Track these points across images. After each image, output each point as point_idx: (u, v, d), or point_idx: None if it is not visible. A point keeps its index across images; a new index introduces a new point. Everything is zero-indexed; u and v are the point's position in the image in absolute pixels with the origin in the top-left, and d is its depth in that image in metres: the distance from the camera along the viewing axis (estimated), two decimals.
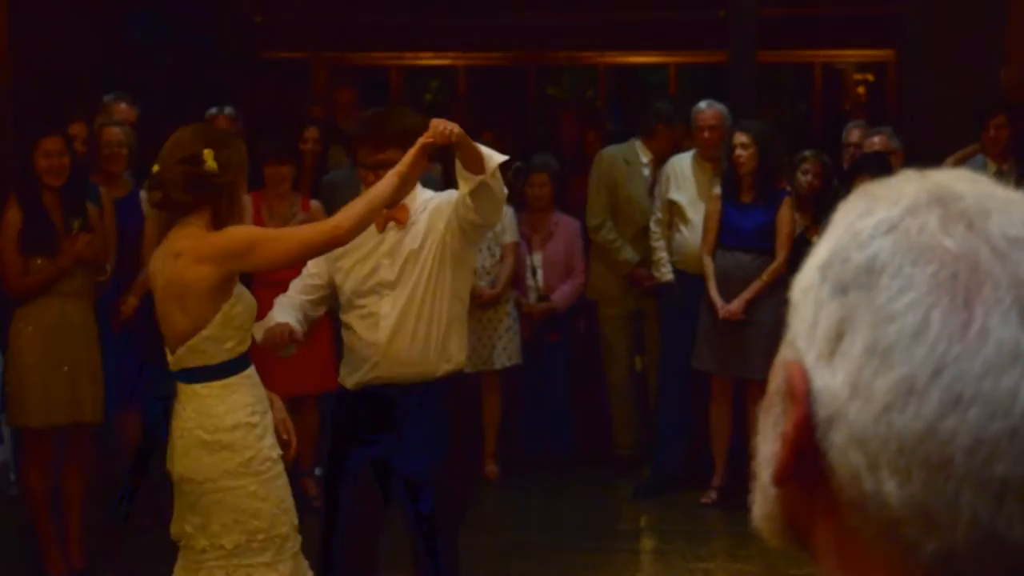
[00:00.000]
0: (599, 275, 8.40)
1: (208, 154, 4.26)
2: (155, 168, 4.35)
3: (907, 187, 0.96)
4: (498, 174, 4.64)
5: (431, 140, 4.49)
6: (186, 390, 4.36)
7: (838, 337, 0.92)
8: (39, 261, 6.38)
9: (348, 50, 13.20)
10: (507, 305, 8.20)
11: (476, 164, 4.55)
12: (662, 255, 7.97)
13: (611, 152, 8.43)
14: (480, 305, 7.95)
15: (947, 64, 9.30)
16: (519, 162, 8.88)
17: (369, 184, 4.66)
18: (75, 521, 6.64)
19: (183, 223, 4.33)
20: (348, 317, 4.87)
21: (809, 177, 7.61)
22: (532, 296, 8.32)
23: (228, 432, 4.32)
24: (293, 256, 4.41)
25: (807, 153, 7.77)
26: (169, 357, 4.39)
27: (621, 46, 13.04)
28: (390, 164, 4.61)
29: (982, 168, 7.62)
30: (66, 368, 6.37)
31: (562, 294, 8.34)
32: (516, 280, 8.25)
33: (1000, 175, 7.53)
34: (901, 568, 0.90)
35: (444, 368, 4.84)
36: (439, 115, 4.78)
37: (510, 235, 8.15)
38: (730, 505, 7.58)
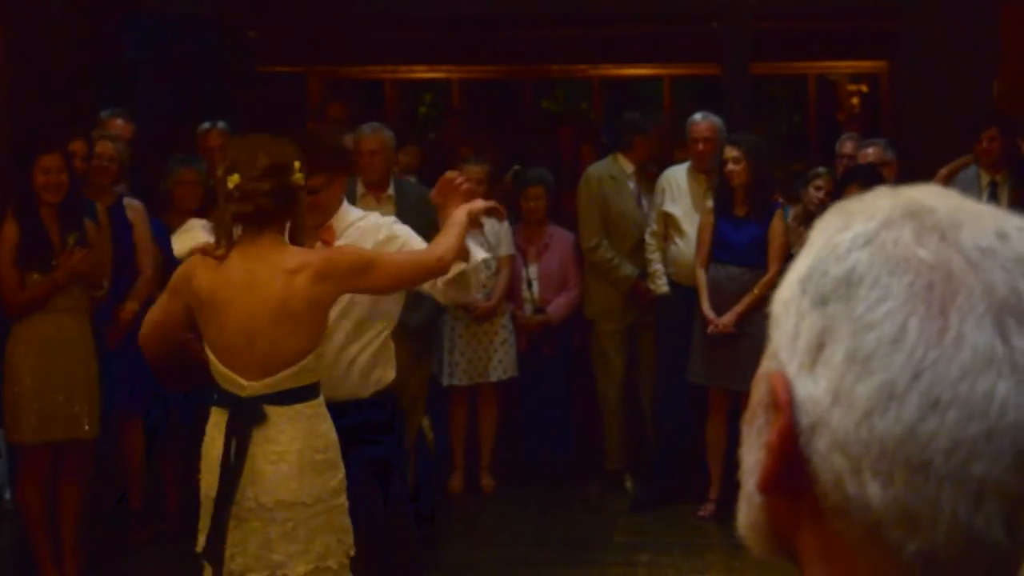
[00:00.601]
0: (597, 292, 8.36)
1: (298, 165, 4.15)
2: (233, 180, 4.10)
3: (881, 202, 0.99)
4: (479, 270, 4.68)
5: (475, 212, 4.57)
6: (286, 412, 4.12)
7: (819, 347, 0.95)
8: (35, 276, 6.40)
9: (343, 64, 13.21)
10: (503, 318, 8.20)
11: (462, 252, 4.52)
12: (657, 267, 7.97)
13: (597, 170, 8.41)
14: (476, 318, 7.95)
15: (940, 76, 9.31)
16: (517, 166, 8.91)
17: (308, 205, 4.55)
18: (71, 535, 6.63)
19: (256, 236, 4.14)
20: None
21: (821, 194, 7.64)
22: (528, 308, 8.33)
23: (332, 449, 4.22)
24: (406, 279, 4.37)
25: (820, 169, 7.82)
26: (249, 381, 4.12)
27: (615, 59, 13.06)
28: (318, 187, 4.58)
29: (975, 179, 7.65)
30: (61, 397, 6.38)
31: (557, 307, 8.34)
32: (511, 293, 8.26)
33: (993, 186, 7.56)
34: (885, 571, 0.93)
35: (372, 389, 4.78)
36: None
37: (506, 248, 8.16)
38: (726, 518, 7.57)
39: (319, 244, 4.67)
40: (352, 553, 4.27)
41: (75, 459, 6.63)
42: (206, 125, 8.33)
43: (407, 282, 4.42)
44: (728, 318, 7.41)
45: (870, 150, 8.11)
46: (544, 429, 8.38)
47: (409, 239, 4.73)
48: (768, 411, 0.99)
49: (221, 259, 4.14)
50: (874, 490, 0.91)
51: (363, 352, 4.74)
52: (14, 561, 6.90)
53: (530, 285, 8.33)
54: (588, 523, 7.78)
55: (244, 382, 4.12)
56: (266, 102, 11.46)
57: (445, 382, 8.15)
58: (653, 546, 7.29)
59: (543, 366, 8.33)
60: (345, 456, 4.54)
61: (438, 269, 4.35)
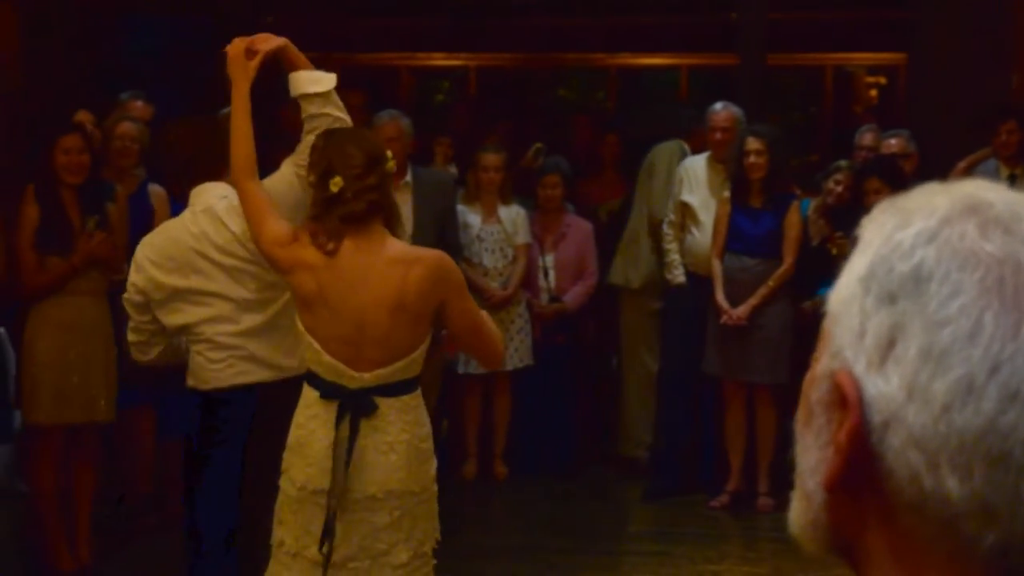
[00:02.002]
0: (623, 264, 8.47)
1: (390, 154, 4.19)
2: (336, 183, 4.07)
3: (938, 199, 1.00)
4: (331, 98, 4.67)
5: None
6: (394, 404, 4.15)
7: (889, 345, 0.95)
8: (54, 259, 6.40)
9: (358, 51, 13.20)
10: (519, 306, 8.21)
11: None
12: (674, 257, 7.96)
13: (669, 148, 8.46)
14: (492, 306, 7.96)
15: (957, 68, 9.29)
16: (539, 144, 8.91)
17: None
18: (84, 518, 6.66)
19: (363, 229, 4.13)
20: None
21: (840, 188, 7.61)
22: (544, 297, 8.32)
23: (430, 439, 4.29)
24: (470, 333, 4.26)
25: (842, 163, 7.79)
26: (359, 372, 4.12)
27: (631, 48, 13.04)
28: None
29: (995, 172, 7.63)
30: (77, 379, 6.40)
31: (574, 295, 8.34)
32: (528, 281, 8.26)
33: (1012, 179, 7.53)
34: (959, 565, 0.94)
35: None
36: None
37: (523, 236, 8.16)
38: (739, 508, 7.58)
39: None
40: (439, 538, 4.33)
41: (90, 442, 6.66)
42: (225, 111, 8.29)
43: (468, 337, 4.30)
44: (742, 310, 7.40)
45: (893, 141, 8.09)
46: (553, 418, 8.38)
47: None
48: (831, 410, 1.00)
49: (330, 253, 4.11)
50: (952, 484, 0.92)
51: None
52: (24, 543, 6.90)
53: (546, 274, 8.33)
54: (601, 512, 7.79)
55: (355, 373, 4.12)
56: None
57: (461, 370, 8.16)
58: (666, 536, 7.30)
59: (557, 354, 8.32)
60: None
61: (495, 355, 4.42)
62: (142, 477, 7.36)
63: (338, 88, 4.70)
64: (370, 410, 4.12)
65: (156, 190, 7.19)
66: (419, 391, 4.25)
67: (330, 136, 4.29)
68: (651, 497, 7.91)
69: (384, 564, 4.16)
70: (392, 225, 4.21)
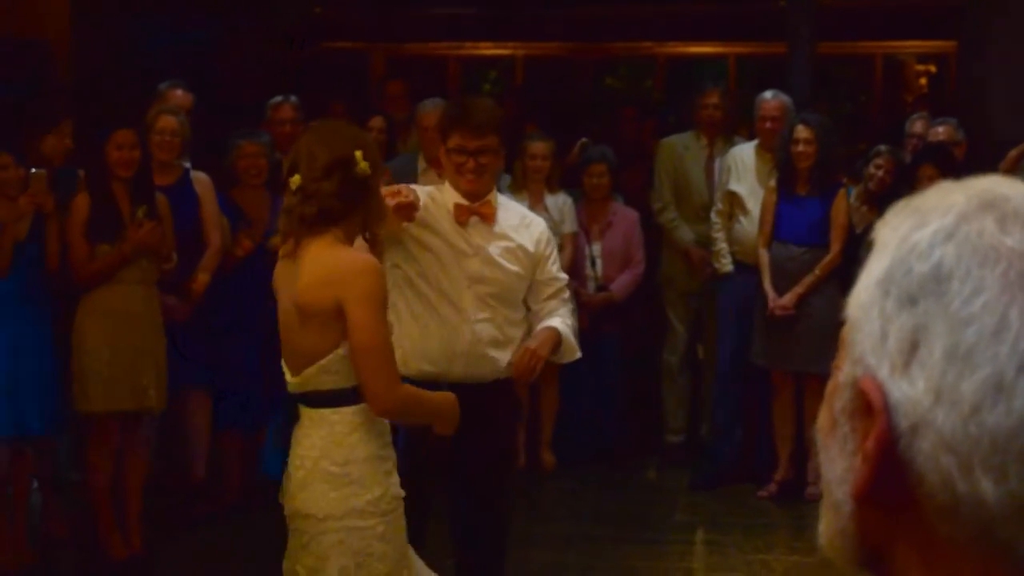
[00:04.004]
0: (666, 259, 8.55)
1: (359, 155, 3.83)
2: (295, 181, 3.85)
3: (952, 196, 0.97)
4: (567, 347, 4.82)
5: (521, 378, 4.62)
6: (312, 415, 3.86)
7: (913, 347, 0.93)
8: (104, 248, 6.48)
9: (406, 41, 13.23)
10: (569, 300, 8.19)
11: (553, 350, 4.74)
12: (722, 246, 7.95)
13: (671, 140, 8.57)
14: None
15: (1009, 56, 9.20)
16: (585, 139, 8.91)
17: (462, 168, 4.66)
18: (135, 506, 6.71)
19: (318, 234, 3.84)
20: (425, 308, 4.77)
21: (881, 173, 7.57)
22: (591, 286, 8.32)
23: (360, 464, 3.81)
24: (362, 345, 3.78)
25: (882, 148, 7.73)
26: (290, 377, 3.92)
27: (679, 37, 13.01)
28: (491, 150, 4.67)
29: None
30: (128, 368, 6.47)
31: (621, 284, 8.33)
32: (574, 270, 8.25)
33: None
34: (995, 571, 0.91)
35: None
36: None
37: (569, 225, 8.15)
38: (787, 497, 7.56)
39: (475, 219, 4.71)
40: None
41: (141, 430, 6.72)
42: (278, 99, 8.32)
43: (360, 353, 3.77)
44: (788, 299, 7.37)
45: (940, 129, 8.03)
46: (601, 407, 8.38)
47: (550, 258, 4.84)
48: (856, 418, 0.97)
49: (289, 257, 3.90)
50: (987, 487, 0.89)
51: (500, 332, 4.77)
52: (77, 534, 6.97)
53: (593, 263, 8.32)
54: (648, 501, 7.78)
55: (289, 377, 3.95)
56: (330, 79, 11.51)
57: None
58: (713, 525, 7.29)
59: (605, 344, 8.32)
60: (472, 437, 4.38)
61: (377, 389, 3.77)
62: (196, 465, 7.40)
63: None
64: (296, 417, 3.96)
65: (199, 177, 7.24)
66: (349, 408, 3.83)
67: (309, 130, 4.17)
68: (699, 486, 7.90)
69: None
70: (373, 226, 3.96)
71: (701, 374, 8.72)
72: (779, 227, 7.49)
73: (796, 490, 7.55)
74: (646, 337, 8.80)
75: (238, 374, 7.29)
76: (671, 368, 8.66)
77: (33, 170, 6.43)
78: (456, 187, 4.74)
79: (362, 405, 3.81)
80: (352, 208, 3.84)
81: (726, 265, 7.94)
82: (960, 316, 0.91)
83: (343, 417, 3.82)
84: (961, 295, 0.91)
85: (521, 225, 4.82)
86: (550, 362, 8.00)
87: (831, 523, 1.02)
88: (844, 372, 1.00)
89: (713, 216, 8.05)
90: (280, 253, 4.02)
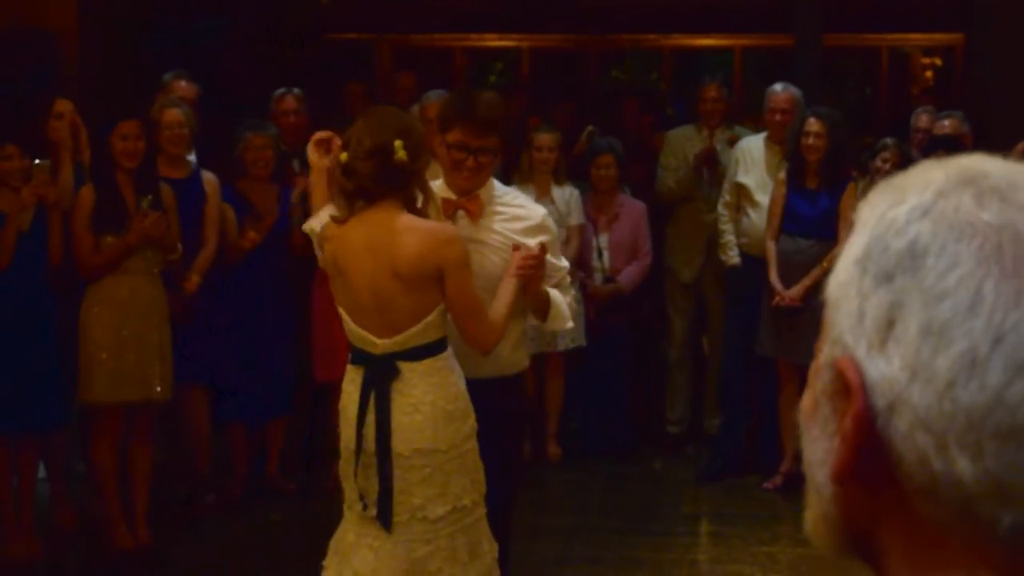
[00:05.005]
0: (667, 251, 8.60)
1: (399, 144, 4.28)
2: (343, 156, 4.35)
3: (932, 173, 0.97)
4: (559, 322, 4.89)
5: (519, 277, 4.59)
6: (415, 368, 4.34)
7: (889, 324, 0.92)
8: (109, 239, 6.48)
9: (412, 32, 13.22)
10: (572, 287, 8.19)
11: (542, 312, 4.76)
12: (729, 239, 7.95)
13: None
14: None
15: (1016, 48, 9.19)
16: (591, 127, 8.91)
17: (460, 165, 4.68)
18: (142, 497, 6.72)
19: (371, 205, 4.35)
20: None
21: (888, 166, 7.55)
22: (598, 277, 8.31)
23: (463, 398, 4.42)
24: (460, 313, 4.38)
25: (888, 141, 7.72)
26: (379, 340, 4.34)
27: (685, 29, 12.99)
28: (491, 150, 4.72)
29: None
30: (133, 358, 6.47)
31: (628, 275, 8.32)
32: (581, 261, 8.25)
33: None
34: (978, 550, 0.90)
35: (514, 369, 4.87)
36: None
37: (576, 217, 8.15)
38: (793, 489, 7.56)
39: (461, 213, 4.74)
40: (484, 490, 4.49)
41: (146, 421, 6.72)
42: (282, 90, 8.32)
43: (460, 315, 4.40)
44: (795, 291, 7.37)
45: (946, 122, 8.02)
46: (608, 399, 8.38)
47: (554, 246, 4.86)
48: (835, 399, 0.97)
49: (340, 222, 4.37)
50: (963, 465, 0.88)
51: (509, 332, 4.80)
52: (84, 525, 6.99)
53: (600, 254, 8.32)
54: (654, 493, 7.79)
55: (377, 340, 4.35)
56: (335, 70, 11.50)
57: None
58: (719, 517, 7.29)
59: (612, 335, 8.32)
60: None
61: (482, 338, 4.45)
62: (199, 457, 7.42)
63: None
64: (392, 374, 4.34)
65: (208, 176, 7.24)
66: (445, 353, 4.40)
67: (367, 115, 4.52)
68: (705, 478, 7.91)
69: (421, 518, 4.36)
70: (412, 207, 4.38)
71: (705, 366, 8.73)
72: (788, 220, 7.49)
73: (802, 482, 7.52)
74: (653, 329, 8.81)
75: (239, 372, 7.29)
76: (669, 360, 8.69)
77: (37, 161, 6.42)
78: (449, 182, 4.76)
79: (449, 350, 4.41)
80: (390, 190, 4.32)
81: (733, 257, 7.94)
82: (935, 291, 0.90)
83: (444, 363, 4.39)
84: (936, 270, 0.90)
85: (515, 218, 4.81)
86: (554, 353, 8.12)
87: (814, 507, 1.02)
88: (824, 353, 0.99)
89: (720, 208, 8.05)
90: (326, 233, 4.44)
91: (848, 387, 0.94)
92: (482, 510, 4.50)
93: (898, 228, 0.94)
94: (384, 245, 4.29)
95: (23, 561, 6.49)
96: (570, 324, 5.00)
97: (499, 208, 4.82)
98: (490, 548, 4.54)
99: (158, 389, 6.57)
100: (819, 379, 0.99)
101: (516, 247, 4.64)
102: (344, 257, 4.37)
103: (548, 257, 4.70)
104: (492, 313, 4.46)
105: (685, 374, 8.71)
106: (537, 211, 4.94)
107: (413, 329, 4.32)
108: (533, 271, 4.57)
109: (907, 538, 0.94)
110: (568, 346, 8.21)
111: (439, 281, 4.30)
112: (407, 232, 4.28)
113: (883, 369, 0.92)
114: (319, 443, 7.46)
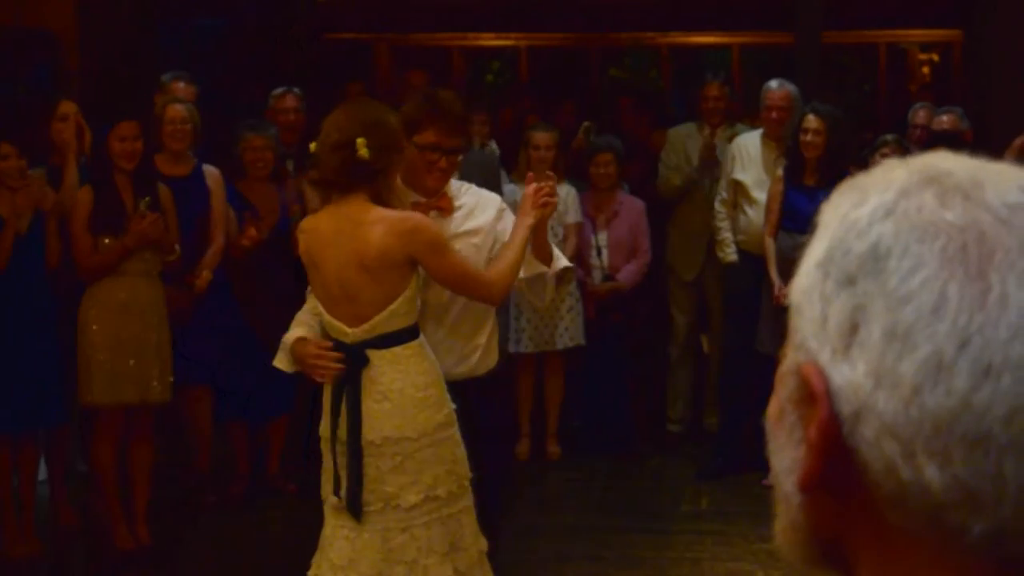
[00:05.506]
0: (669, 249, 8.61)
1: (361, 143, 4.32)
2: (312, 147, 4.47)
3: (895, 172, 0.94)
4: (564, 280, 4.97)
5: (539, 208, 4.64)
6: (384, 356, 4.40)
7: (852, 329, 0.89)
8: (107, 240, 6.48)
9: (410, 31, 13.21)
10: (569, 285, 8.19)
11: (546, 256, 4.80)
12: (726, 236, 7.95)
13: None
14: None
15: (1015, 45, 9.19)
16: (588, 122, 8.91)
17: (433, 166, 4.69)
18: (142, 497, 6.73)
19: (342, 198, 4.42)
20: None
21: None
22: (597, 276, 8.31)
23: (435, 386, 4.45)
24: (457, 285, 4.54)
25: (888, 137, 7.71)
26: (349, 329, 4.42)
27: (683, 27, 12.98)
28: (461, 149, 4.79)
29: None
30: (131, 360, 6.47)
31: (627, 273, 8.32)
32: (580, 260, 8.25)
33: None
34: (949, 559, 0.88)
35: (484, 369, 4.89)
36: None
37: (573, 215, 8.15)
38: None
39: (433, 213, 4.74)
40: (467, 480, 4.51)
41: (145, 422, 6.72)
42: (281, 90, 8.31)
43: (456, 288, 4.57)
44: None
45: (945, 118, 8.02)
46: (608, 397, 8.38)
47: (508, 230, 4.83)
48: (801, 406, 0.94)
49: (316, 218, 4.55)
50: (931, 472, 0.85)
51: (478, 333, 4.84)
52: (85, 525, 6.99)
53: (599, 252, 8.32)
54: (654, 491, 7.78)
55: (348, 329, 4.42)
56: (333, 69, 11.50)
57: (511, 348, 8.17)
58: (719, 515, 7.29)
59: (612, 334, 8.32)
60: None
61: (486, 296, 4.59)
62: (200, 457, 7.42)
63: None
64: (362, 363, 4.41)
65: (211, 171, 7.24)
66: (416, 341, 4.45)
67: (344, 107, 4.63)
68: (706, 476, 7.91)
69: (395, 507, 4.40)
70: (380, 201, 4.42)
71: (705, 364, 8.73)
72: (786, 217, 7.48)
73: None
74: (653, 327, 8.81)
75: (240, 371, 7.29)
76: (671, 358, 8.69)
77: (31, 171, 6.44)
78: (418, 184, 4.75)
79: (421, 338, 4.47)
80: (354, 186, 4.38)
81: (730, 255, 7.94)
82: (898, 294, 0.88)
83: (413, 351, 4.43)
84: (899, 273, 0.88)
85: (478, 207, 4.86)
86: (553, 352, 8.12)
87: (782, 517, 0.99)
88: (788, 359, 0.96)
89: (717, 205, 8.05)
90: (302, 226, 4.64)
91: (813, 394, 0.91)
92: (465, 503, 4.50)
93: (860, 230, 0.91)
94: (350, 238, 4.36)
95: (25, 561, 6.50)
96: (567, 263, 4.99)
97: (460, 200, 4.85)
98: (476, 543, 4.55)
99: (157, 391, 6.57)
100: (784, 386, 0.97)
101: (529, 180, 4.75)
102: (316, 249, 4.45)
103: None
104: (500, 263, 4.57)
105: (686, 372, 8.72)
106: (493, 196, 4.99)
107: (379, 316, 4.38)
108: (549, 199, 4.65)
109: (877, 547, 0.92)
110: (567, 345, 8.21)
111: (407, 268, 4.37)
112: (372, 224, 4.34)
113: (847, 375, 0.89)
114: (319, 442, 7.45)
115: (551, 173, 4.72)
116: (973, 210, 0.89)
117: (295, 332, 4.56)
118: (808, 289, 0.94)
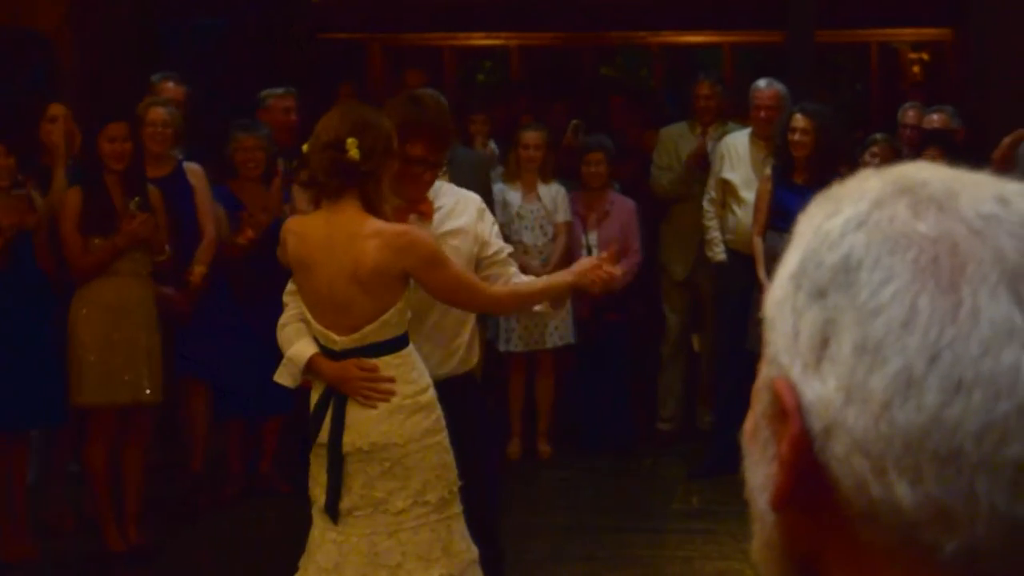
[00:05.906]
0: (662, 248, 8.65)
1: (351, 143, 4.29)
2: (304, 148, 4.44)
3: (869, 183, 0.92)
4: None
5: (582, 284, 4.70)
6: (374, 364, 4.42)
7: (823, 343, 0.88)
8: (97, 240, 6.48)
9: (402, 31, 13.20)
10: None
11: (562, 299, 4.96)
12: (715, 235, 7.96)
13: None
14: None
15: (1006, 44, 9.21)
16: (576, 120, 8.92)
17: (419, 179, 4.70)
18: (133, 498, 6.73)
19: (334, 202, 4.38)
20: None
21: (877, 161, 7.55)
22: None
23: (423, 393, 4.45)
24: (457, 299, 4.56)
25: (878, 136, 7.73)
26: (338, 337, 4.40)
27: (674, 26, 12.98)
28: (445, 159, 4.80)
29: None
30: (121, 361, 6.48)
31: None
32: (570, 259, 8.24)
33: None
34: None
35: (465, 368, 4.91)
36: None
37: (562, 214, 8.16)
38: None
39: (413, 216, 4.74)
40: (456, 487, 4.51)
41: (137, 423, 6.72)
42: (279, 91, 8.29)
43: (453, 301, 4.59)
44: None
45: (935, 117, 8.02)
46: (603, 396, 8.39)
47: (492, 232, 4.87)
48: (774, 422, 0.92)
49: (304, 216, 4.55)
50: (902, 490, 0.83)
51: (461, 331, 4.85)
52: (77, 526, 6.99)
53: (590, 252, 8.31)
54: (645, 490, 7.80)
55: (336, 337, 4.41)
56: (326, 69, 11.50)
57: (501, 348, 8.18)
58: (711, 514, 7.29)
59: (603, 333, 8.33)
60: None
61: (481, 309, 4.68)
62: (195, 457, 7.42)
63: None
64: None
65: (192, 168, 7.24)
66: (405, 350, 4.45)
67: (337, 108, 4.64)
68: (698, 475, 7.91)
69: (384, 511, 4.40)
70: (372, 207, 4.37)
71: (696, 363, 8.74)
72: (776, 216, 7.48)
73: None
74: (646, 327, 8.81)
75: (238, 370, 7.29)
76: (663, 357, 8.70)
77: (14, 191, 6.40)
78: (401, 192, 4.72)
79: (411, 347, 4.46)
80: (344, 188, 4.34)
81: (719, 254, 7.96)
82: (868, 307, 0.85)
83: (402, 360, 4.43)
84: (870, 285, 0.86)
85: (457, 207, 4.87)
86: (543, 351, 8.12)
87: (758, 534, 0.97)
88: (762, 373, 0.94)
89: (706, 204, 8.06)
90: (289, 227, 4.59)
91: (784, 410, 0.89)
92: (455, 509, 4.50)
93: (832, 241, 0.89)
94: (344, 250, 4.33)
95: (16, 561, 6.49)
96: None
97: (439, 202, 4.86)
98: (468, 548, 4.53)
99: (147, 392, 6.57)
100: (759, 401, 0.95)
101: (609, 252, 4.83)
102: (305, 253, 4.42)
103: (491, 238, 4.81)
104: (516, 287, 4.67)
105: (678, 371, 8.73)
106: (473, 196, 4.98)
107: (370, 327, 4.37)
108: (601, 280, 4.69)
109: (851, 565, 0.90)
110: (557, 344, 8.22)
111: (401, 281, 4.36)
112: (367, 238, 4.30)
113: (818, 390, 0.87)
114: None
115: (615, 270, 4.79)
116: (946, 221, 0.87)
117: (305, 349, 4.51)
118: (781, 302, 0.92)
